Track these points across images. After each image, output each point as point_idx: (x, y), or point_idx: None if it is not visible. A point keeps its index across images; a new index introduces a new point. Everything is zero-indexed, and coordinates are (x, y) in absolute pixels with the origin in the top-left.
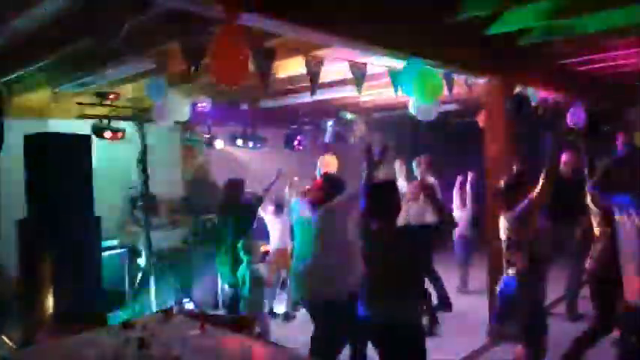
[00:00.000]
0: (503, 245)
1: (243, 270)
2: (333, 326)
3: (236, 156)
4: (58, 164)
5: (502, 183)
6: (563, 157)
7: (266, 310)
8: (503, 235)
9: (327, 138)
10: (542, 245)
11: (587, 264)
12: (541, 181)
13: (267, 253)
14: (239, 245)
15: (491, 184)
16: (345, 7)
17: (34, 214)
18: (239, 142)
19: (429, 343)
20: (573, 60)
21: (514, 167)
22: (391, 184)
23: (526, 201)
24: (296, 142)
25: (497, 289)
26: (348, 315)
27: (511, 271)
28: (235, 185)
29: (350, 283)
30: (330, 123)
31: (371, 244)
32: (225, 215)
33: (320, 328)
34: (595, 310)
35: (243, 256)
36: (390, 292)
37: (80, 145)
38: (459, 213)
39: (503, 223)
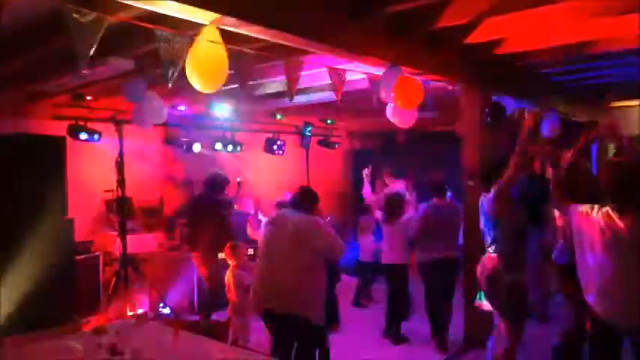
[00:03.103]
0: (484, 231)
1: (228, 274)
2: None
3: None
4: (31, 166)
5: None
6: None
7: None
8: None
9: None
10: (518, 223)
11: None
12: (511, 161)
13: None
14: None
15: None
16: (327, 14)
17: (4, 215)
18: (218, 145)
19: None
20: (549, 70)
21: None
22: (441, 180)
23: (503, 178)
24: (275, 147)
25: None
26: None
27: (491, 250)
28: (217, 182)
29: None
30: (309, 128)
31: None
32: (201, 215)
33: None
34: None
35: (228, 260)
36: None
37: (54, 146)
38: None
39: (481, 205)
